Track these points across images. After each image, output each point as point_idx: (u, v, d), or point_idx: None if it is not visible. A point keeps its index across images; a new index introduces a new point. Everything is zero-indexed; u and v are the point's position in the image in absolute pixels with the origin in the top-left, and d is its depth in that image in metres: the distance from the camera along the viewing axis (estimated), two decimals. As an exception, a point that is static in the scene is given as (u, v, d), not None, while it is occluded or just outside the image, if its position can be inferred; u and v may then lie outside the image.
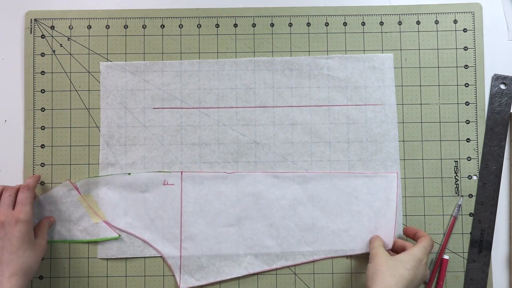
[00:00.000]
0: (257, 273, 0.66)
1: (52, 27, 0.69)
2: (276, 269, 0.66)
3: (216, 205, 0.67)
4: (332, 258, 0.66)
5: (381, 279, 0.56)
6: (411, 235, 0.64)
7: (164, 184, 0.67)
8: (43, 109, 0.68)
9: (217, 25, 0.69)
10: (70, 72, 0.69)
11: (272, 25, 0.69)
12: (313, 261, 0.66)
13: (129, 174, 0.67)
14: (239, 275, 0.66)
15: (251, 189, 0.67)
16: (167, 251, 0.66)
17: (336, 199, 0.67)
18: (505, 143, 0.68)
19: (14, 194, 0.61)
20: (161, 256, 0.67)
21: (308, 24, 0.69)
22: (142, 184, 0.67)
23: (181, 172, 0.67)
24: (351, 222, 0.66)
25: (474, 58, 0.69)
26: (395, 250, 0.65)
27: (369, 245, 0.64)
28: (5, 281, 0.56)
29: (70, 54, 0.69)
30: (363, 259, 0.67)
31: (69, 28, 0.69)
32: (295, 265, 0.66)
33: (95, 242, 0.67)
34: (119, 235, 0.66)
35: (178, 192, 0.67)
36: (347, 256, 0.67)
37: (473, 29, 0.69)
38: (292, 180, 0.67)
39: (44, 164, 0.68)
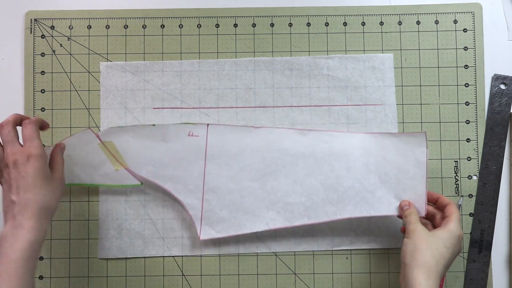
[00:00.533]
0: (278, 229, 0.65)
1: (52, 27, 0.69)
2: (298, 227, 0.65)
3: (241, 159, 0.66)
4: (355, 218, 0.64)
5: (422, 260, 0.54)
6: (432, 201, 0.63)
7: (189, 135, 0.66)
8: (43, 109, 0.68)
9: (217, 25, 0.69)
10: (70, 72, 0.69)
11: (272, 25, 0.69)
12: (336, 220, 0.65)
13: (154, 125, 0.66)
14: (260, 230, 0.65)
15: (277, 145, 0.66)
16: (188, 201, 0.65)
17: (363, 159, 0.65)
18: (505, 143, 0.68)
19: (13, 129, 0.56)
20: (161, 256, 0.67)
21: (308, 24, 0.69)
22: (167, 135, 0.66)
23: (207, 124, 0.66)
24: (378, 183, 0.64)
25: (474, 58, 0.69)
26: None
27: (404, 218, 0.61)
28: (24, 222, 0.53)
29: (70, 54, 0.69)
30: (364, 259, 0.67)
31: (69, 28, 0.69)
32: (318, 223, 0.65)
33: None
34: (141, 183, 0.66)
35: (203, 144, 0.66)
36: (347, 257, 0.67)
37: (473, 29, 0.69)
38: (319, 139, 0.66)
39: (44, 164, 0.68)
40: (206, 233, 0.65)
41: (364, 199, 0.64)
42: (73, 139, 0.64)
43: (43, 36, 0.69)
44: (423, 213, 0.62)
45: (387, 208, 0.64)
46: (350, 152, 0.65)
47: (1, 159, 0.56)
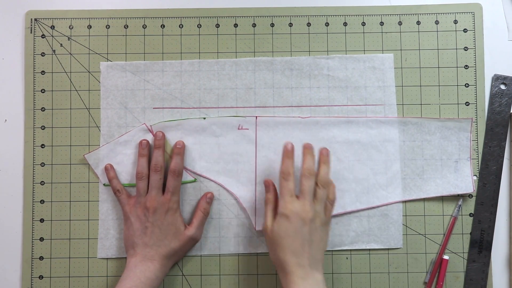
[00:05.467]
0: (334, 216, 0.66)
1: (52, 27, 0.69)
2: (350, 213, 0.67)
3: None
4: (405, 202, 0.67)
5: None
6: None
7: (238, 129, 0.67)
8: (43, 109, 0.68)
9: (217, 25, 0.69)
10: (70, 72, 0.69)
11: (272, 25, 0.69)
12: (388, 204, 0.67)
13: (204, 118, 0.67)
14: None
15: (325, 134, 0.67)
16: (242, 194, 0.67)
17: (409, 143, 0.67)
18: (505, 143, 0.68)
19: (163, 177, 0.63)
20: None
21: (308, 24, 0.69)
22: (217, 129, 0.67)
23: (256, 116, 0.67)
24: (425, 166, 0.67)
25: (474, 59, 0.69)
26: None
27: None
28: (154, 261, 0.61)
29: (70, 54, 0.69)
30: (364, 259, 0.67)
31: (69, 28, 0.69)
32: (370, 208, 0.67)
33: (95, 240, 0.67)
34: (195, 179, 0.67)
35: (253, 137, 0.67)
36: (347, 257, 0.67)
37: (473, 29, 0.69)
38: (366, 125, 0.67)
39: (44, 164, 0.68)
40: (261, 225, 0.66)
41: (413, 181, 0.67)
42: (129, 136, 0.66)
43: (43, 36, 0.69)
44: (471, 191, 0.66)
45: (435, 189, 0.67)
46: (397, 137, 0.67)
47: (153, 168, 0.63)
